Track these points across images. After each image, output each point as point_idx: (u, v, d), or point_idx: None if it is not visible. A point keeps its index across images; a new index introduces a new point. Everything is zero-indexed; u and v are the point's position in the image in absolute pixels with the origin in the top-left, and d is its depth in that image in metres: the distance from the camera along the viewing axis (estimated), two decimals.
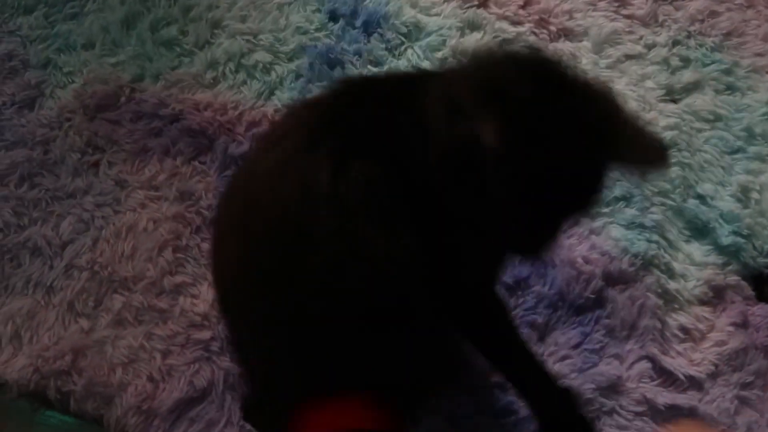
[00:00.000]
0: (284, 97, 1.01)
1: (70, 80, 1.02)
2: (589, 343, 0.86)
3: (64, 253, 0.88)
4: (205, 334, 0.83)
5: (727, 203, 0.97)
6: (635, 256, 0.91)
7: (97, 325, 0.83)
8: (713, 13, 1.14)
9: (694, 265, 0.93)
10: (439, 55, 1.07)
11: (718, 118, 1.04)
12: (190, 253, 0.88)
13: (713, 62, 1.10)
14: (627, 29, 1.12)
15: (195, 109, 0.99)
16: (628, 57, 1.10)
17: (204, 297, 0.85)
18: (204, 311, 0.85)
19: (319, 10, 1.10)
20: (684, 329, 0.88)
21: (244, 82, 1.03)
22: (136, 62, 1.03)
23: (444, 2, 1.13)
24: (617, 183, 0.96)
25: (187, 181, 0.93)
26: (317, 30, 1.08)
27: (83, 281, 0.86)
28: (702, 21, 1.13)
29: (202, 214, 0.91)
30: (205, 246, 0.88)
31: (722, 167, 1.00)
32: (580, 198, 0.60)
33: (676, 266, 0.92)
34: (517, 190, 0.55)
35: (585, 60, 1.09)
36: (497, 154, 0.52)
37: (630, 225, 0.94)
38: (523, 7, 1.13)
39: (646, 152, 0.61)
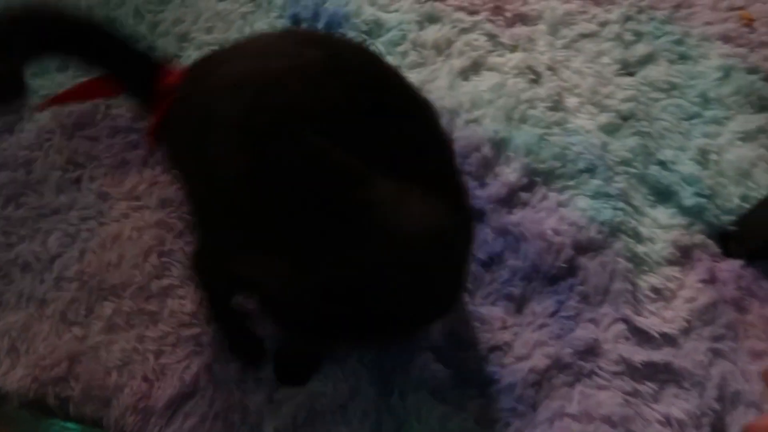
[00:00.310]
0: None
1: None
2: (565, 311, 0.89)
3: (53, 266, 0.90)
4: (194, 331, 0.86)
5: (687, 166, 1.00)
6: (603, 224, 0.94)
7: (90, 331, 0.86)
8: None
9: (660, 228, 0.96)
10: (399, 49, 1.10)
11: (673, 86, 1.08)
12: (175, 257, 0.91)
13: (665, 34, 1.14)
14: (580, 10, 1.16)
15: None
16: (583, 36, 1.13)
17: (191, 297, 0.88)
18: (192, 310, 0.87)
19: (281, 16, 1.13)
20: (655, 289, 0.92)
21: None
22: None
23: None
24: (581, 156, 1.00)
25: (166, 189, 0.95)
26: None
27: (73, 291, 0.88)
28: None
29: (184, 218, 0.94)
30: (189, 249, 0.91)
31: (680, 133, 1.04)
32: None
33: (643, 230, 0.96)
34: None
35: (541, 42, 1.12)
36: None
37: (596, 195, 0.97)
38: None
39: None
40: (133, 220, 0.94)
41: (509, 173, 0.98)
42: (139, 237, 0.92)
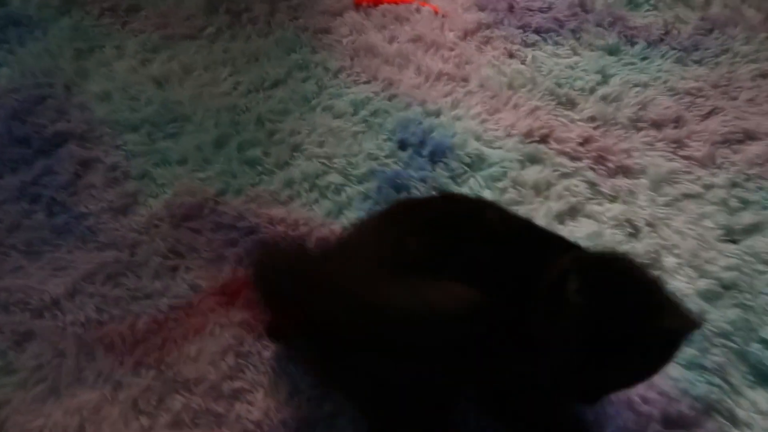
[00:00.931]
0: (352, 216, 1.05)
1: (162, 191, 1.09)
2: None
3: (135, 350, 0.90)
4: None
5: None
6: (696, 399, 0.86)
7: (157, 424, 0.83)
8: None
9: (758, 413, 0.86)
10: (499, 185, 1.09)
11: None
12: (251, 360, 0.89)
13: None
14: (685, 169, 1.12)
15: (270, 224, 1.03)
16: (686, 196, 1.09)
17: (259, 404, 0.85)
18: (258, 418, 0.84)
19: (390, 139, 1.16)
20: None
21: (316, 201, 1.07)
22: (222, 178, 1.11)
23: (506, 137, 1.17)
24: None
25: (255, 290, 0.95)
26: (387, 157, 1.13)
27: (149, 379, 0.87)
28: (761, 165, 1.12)
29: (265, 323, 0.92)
30: (266, 354, 0.89)
31: None
32: (632, 367, 0.73)
33: (740, 413, 0.86)
34: (579, 342, 0.68)
35: (642, 197, 1.08)
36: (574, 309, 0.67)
37: (690, 365, 0.89)
38: (582, 144, 1.16)
39: (683, 320, 0.71)
40: (218, 316, 0.93)
41: None
42: (221, 334, 0.91)
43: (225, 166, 1.12)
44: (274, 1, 1.43)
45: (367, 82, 1.26)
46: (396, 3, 1.40)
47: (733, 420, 0.85)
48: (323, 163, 1.13)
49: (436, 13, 1.38)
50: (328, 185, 1.09)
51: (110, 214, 1.06)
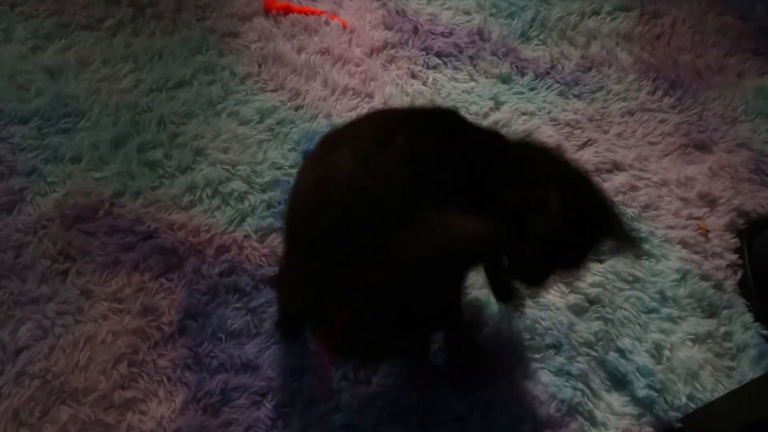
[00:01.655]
0: (254, 224, 1.04)
1: (52, 189, 1.03)
2: None
3: (18, 359, 0.85)
4: None
5: (642, 358, 1.02)
6: (562, 402, 0.94)
7: None
8: (634, 188, 1.26)
9: (613, 414, 0.96)
10: None
11: (636, 279, 1.12)
12: (145, 368, 0.86)
13: (633, 230, 1.20)
14: None
15: (169, 229, 1.00)
16: None
17: (152, 414, 0.83)
18: (150, 428, 0.82)
19: (294, 150, 1.16)
20: None
21: (219, 208, 1.06)
22: (120, 179, 1.06)
23: None
24: (548, 331, 1.01)
25: (152, 297, 0.93)
26: (291, 167, 1.13)
27: (33, 389, 0.82)
28: (624, 193, 1.25)
29: (163, 330, 0.90)
30: (161, 363, 0.87)
31: (639, 325, 1.07)
32: (576, 258, 0.88)
33: (598, 414, 0.95)
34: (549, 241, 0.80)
35: None
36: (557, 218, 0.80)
37: (558, 372, 0.97)
38: None
39: (629, 236, 0.89)
40: (111, 323, 0.90)
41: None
42: (114, 342, 0.88)
43: (123, 167, 1.07)
44: None
45: (274, 91, 1.26)
46: (306, 13, 1.40)
47: (593, 420, 0.95)
48: (227, 170, 1.11)
49: (344, 27, 1.40)
50: (231, 192, 1.08)
51: None
